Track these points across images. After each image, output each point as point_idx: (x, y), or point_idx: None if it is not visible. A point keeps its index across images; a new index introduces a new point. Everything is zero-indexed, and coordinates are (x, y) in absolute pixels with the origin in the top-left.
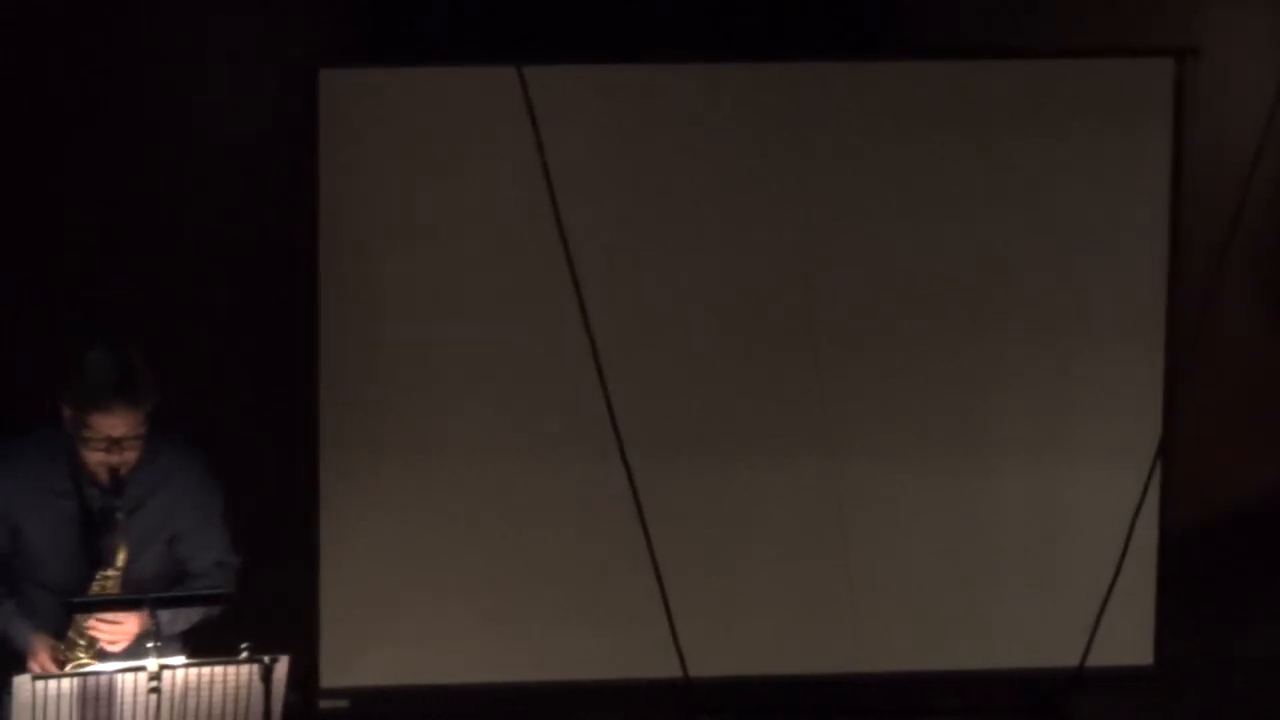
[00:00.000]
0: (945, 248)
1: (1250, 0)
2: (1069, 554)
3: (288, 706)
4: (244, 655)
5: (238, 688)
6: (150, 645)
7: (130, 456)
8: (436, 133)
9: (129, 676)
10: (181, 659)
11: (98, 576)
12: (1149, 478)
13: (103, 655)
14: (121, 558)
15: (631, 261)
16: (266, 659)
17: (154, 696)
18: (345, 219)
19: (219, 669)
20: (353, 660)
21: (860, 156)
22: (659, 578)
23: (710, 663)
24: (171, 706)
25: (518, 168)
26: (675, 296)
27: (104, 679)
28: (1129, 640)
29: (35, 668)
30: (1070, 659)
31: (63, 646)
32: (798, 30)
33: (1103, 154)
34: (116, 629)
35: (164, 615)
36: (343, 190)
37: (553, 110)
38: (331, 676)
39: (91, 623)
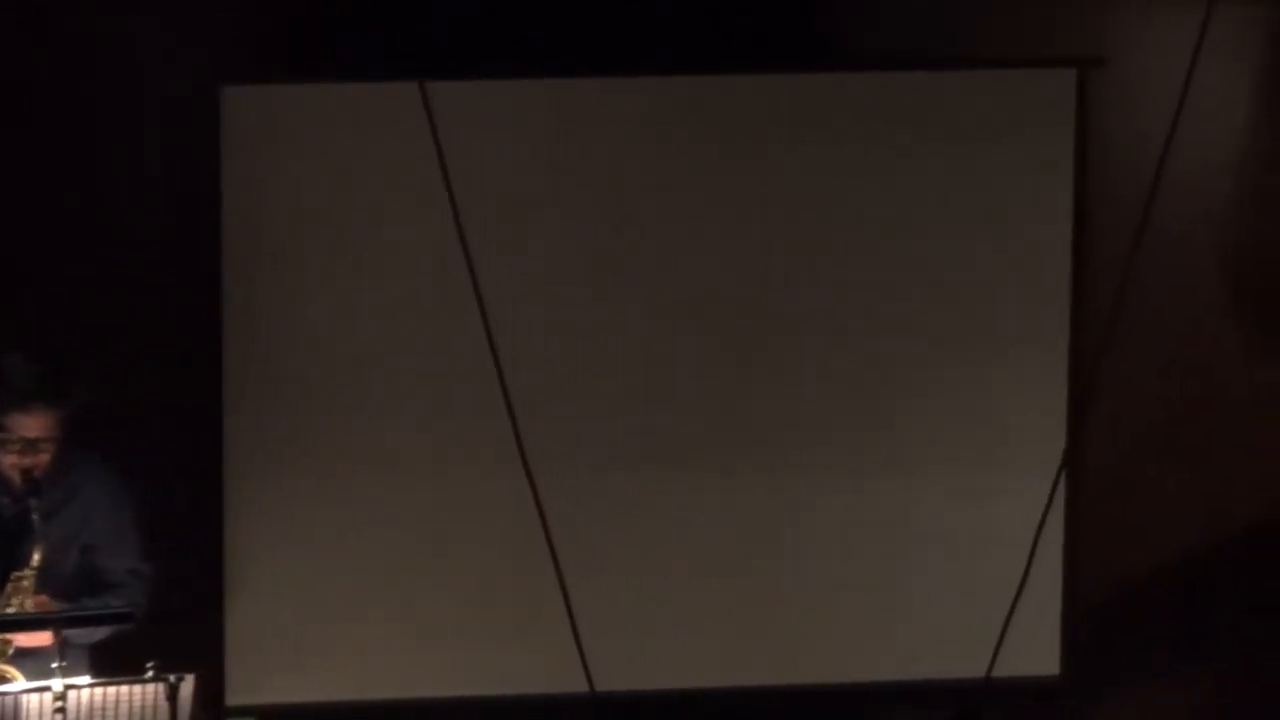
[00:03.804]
0: (861, 260)
1: (1154, 11)
2: (982, 565)
3: None
4: (150, 674)
5: (144, 707)
6: (55, 665)
7: (43, 459)
8: (340, 148)
9: (34, 697)
10: (87, 679)
11: (12, 577)
12: (1054, 488)
13: (14, 659)
14: (37, 558)
15: (539, 273)
16: (172, 678)
17: (59, 717)
18: (249, 234)
19: (125, 688)
20: (259, 678)
21: (774, 168)
22: (564, 592)
23: (617, 677)
24: None
25: (421, 181)
26: (586, 309)
27: (8, 700)
28: (1037, 650)
29: None
30: (982, 669)
31: None
32: (708, 44)
33: (1011, 163)
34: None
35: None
36: (246, 206)
37: (455, 124)
38: (238, 694)
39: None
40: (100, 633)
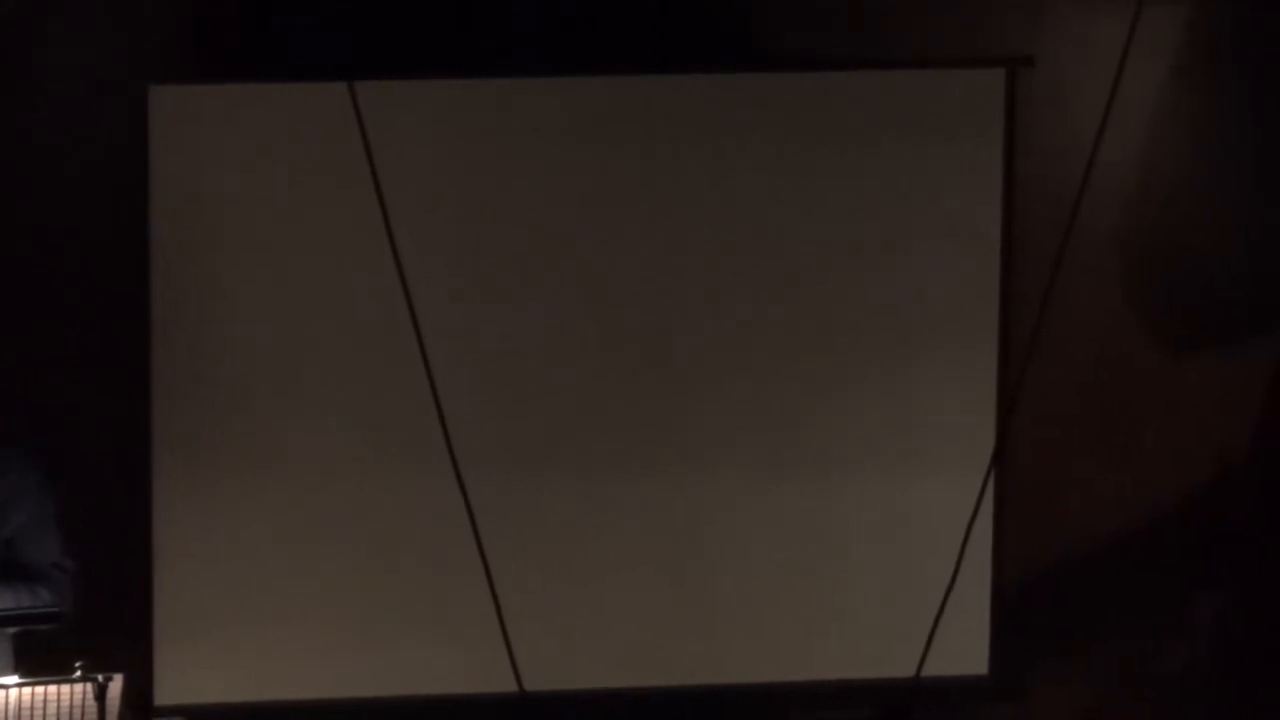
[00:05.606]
0: (786, 258)
1: (1083, 11)
2: (911, 564)
3: None
4: (77, 674)
5: (71, 707)
6: None
7: None
8: (269, 148)
9: None
10: (14, 679)
11: None
12: (983, 487)
13: None
14: None
15: (468, 275)
16: (100, 677)
17: None
18: (177, 232)
19: (52, 688)
20: (188, 678)
21: (701, 168)
22: (493, 592)
23: (547, 677)
24: None
25: (351, 182)
26: (513, 310)
27: None
28: (965, 650)
29: None
30: (911, 669)
31: None
32: (635, 44)
33: (940, 163)
34: None
35: None
36: (176, 205)
37: (384, 124)
38: (166, 694)
39: None
40: (16, 625)
